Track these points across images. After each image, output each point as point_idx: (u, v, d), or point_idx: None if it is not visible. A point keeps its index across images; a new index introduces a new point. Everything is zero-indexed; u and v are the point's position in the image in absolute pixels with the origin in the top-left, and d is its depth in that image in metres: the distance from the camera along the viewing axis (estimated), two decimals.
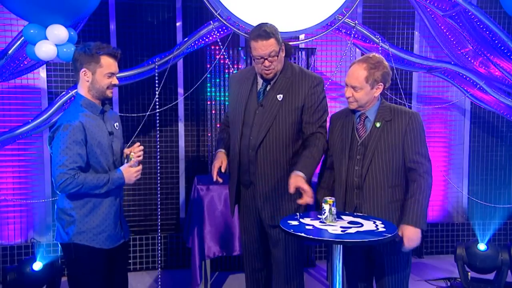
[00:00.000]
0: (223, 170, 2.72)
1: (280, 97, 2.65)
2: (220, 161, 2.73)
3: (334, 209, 2.31)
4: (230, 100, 2.88)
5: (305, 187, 2.48)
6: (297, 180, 2.51)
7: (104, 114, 2.46)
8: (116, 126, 2.53)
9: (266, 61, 2.58)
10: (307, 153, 2.64)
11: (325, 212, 2.32)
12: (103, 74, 2.37)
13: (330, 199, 2.31)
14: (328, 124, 2.74)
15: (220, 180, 2.72)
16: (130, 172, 2.42)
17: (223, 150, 2.82)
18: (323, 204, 2.33)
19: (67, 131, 2.27)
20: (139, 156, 2.50)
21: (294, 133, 2.68)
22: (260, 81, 2.72)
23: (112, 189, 2.41)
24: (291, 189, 2.50)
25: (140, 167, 2.47)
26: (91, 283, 2.40)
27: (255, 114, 2.68)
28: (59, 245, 2.48)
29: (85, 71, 2.36)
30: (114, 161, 2.48)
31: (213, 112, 4.22)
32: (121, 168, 2.43)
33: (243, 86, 2.77)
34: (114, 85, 2.44)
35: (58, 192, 2.35)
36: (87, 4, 3.09)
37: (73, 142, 2.27)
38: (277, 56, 2.59)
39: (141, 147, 2.52)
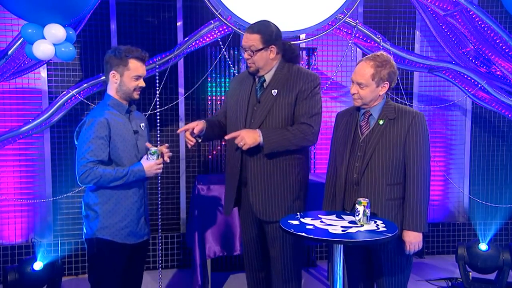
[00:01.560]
0: (196, 132, 2.67)
1: (274, 92, 2.68)
2: (196, 123, 2.69)
3: (368, 211, 2.30)
4: (229, 98, 2.88)
5: (240, 131, 2.58)
6: (243, 130, 2.59)
7: (130, 113, 2.58)
8: (142, 126, 2.64)
9: (246, 52, 2.66)
10: (281, 127, 2.65)
11: (359, 214, 2.30)
12: (130, 76, 2.49)
13: (364, 201, 2.30)
14: (333, 121, 2.73)
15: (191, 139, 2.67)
16: (150, 165, 2.49)
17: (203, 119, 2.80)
18: (357, 205, 2.31)
19: (92, 125, 2.39)
20: (167, 156, 2.60)
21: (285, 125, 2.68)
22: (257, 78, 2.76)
23: (135, 186, 2.50)
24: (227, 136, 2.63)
25: (161, 160, 2.54)
26: (111, 277, 2.47)
27: (253, 110, 2.71)
28: (85, 242, 2.55)
29: (113, 73, 2.49)
30: (139, 159, 2.55)
31: (214, 112, 4.22)
32: (141, 161, 2.50)
33: (244, 84, 2.80)
34: (141, 88, 2.55)
35: (80, 184, 2.44)
36: (85, 4, 3.09)
37: (96, 137, 2.38)
38: (255, 52, 2.62)
39: (168, 151, 2.63)
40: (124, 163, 2.48)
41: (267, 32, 2.65)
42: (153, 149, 2.51)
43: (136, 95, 2.54)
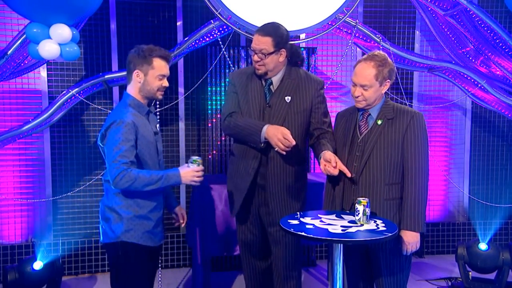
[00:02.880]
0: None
1: (288, 98, 2.69)
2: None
3: (368, 210, 2.30)
4: (240, 94, 2.78)
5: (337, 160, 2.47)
6: (331, 155, 2.48)
7: (149, 115, 2.51)
8: (158, 127, 2.59)
9: (256, 55, 2.64)
10: (327, 140, 2.66)
11: (359, 213, 2.30)
12: (154, 76, 2.42)
13: (363, 200, 2.30)
14: (334, 121, 2.76)
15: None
16: (187, 170, 2.40)
17: None
18: (356, 205, 2.31)
19: (120, 127, 2.31)
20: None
21: (302, 134, 2.73)
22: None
23: (158, 190, 2.42)
24: (331, 162, 2.45)
25: (202, 167, 2.42)
26: (137, 280, 2.43)
27: (262, 114, 2.70)
28: (105, 246, 2.47)
29: (137, 72, 2.42)
30: (159, 160, 2.52)
31: (214, 111, 4.22)
32: (179, 167, 2.43)
33: (253, 83, 2.75)
34: (165, 87, 2.48)
35: (113, 187, 2.34)
36: (90, 3, 3.09)
37: (125, 139, 2.31)
38: (267, 56, 2.61)
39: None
40: (150, 165, 2.42)
41: (278, 35, 2.63)
42: (195, 157, 2.42)
43: (159, 95, 2.48)
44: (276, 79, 2.72)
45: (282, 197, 2.73)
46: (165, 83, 2.47)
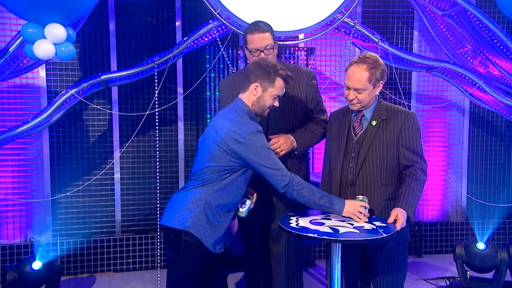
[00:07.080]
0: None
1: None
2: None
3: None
4: (225, 102, 2.84)
5: (278, 138, 2.62)
6: (281, 136, 2.64)
7: None
8: None
9: (262, 53, 2.65)
10: (305, 127, 2.78)
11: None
12: (271, 94, 2.42)
13: (363, 197, 2.37)
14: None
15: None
16: (354, 202, 2.36)
17: None
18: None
19: (260, 136, 2.32)
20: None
21: (301, 124, 2.77)
22: None
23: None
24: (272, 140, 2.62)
25: (368, 206, 2.38)
26: (192, 277, 2.42)
27: None
28: (167, 229, 2.46)
29: (257, 85, 2.40)
30: None
31: (213, 111, 4.23)
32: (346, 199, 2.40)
33: (237, 88, 2.75)
34: (274, 107, 2.48)
35: (283, 192, 2.34)
36: (86, 3, 3.09)
37: (269, 147, 2.37)
38: (273, 49, 2.68)
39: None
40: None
41: (272, 29, 2.71)
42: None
43: (266, 113, 2.47)
44: None
45: None
46: (276, 103, 2.45)
